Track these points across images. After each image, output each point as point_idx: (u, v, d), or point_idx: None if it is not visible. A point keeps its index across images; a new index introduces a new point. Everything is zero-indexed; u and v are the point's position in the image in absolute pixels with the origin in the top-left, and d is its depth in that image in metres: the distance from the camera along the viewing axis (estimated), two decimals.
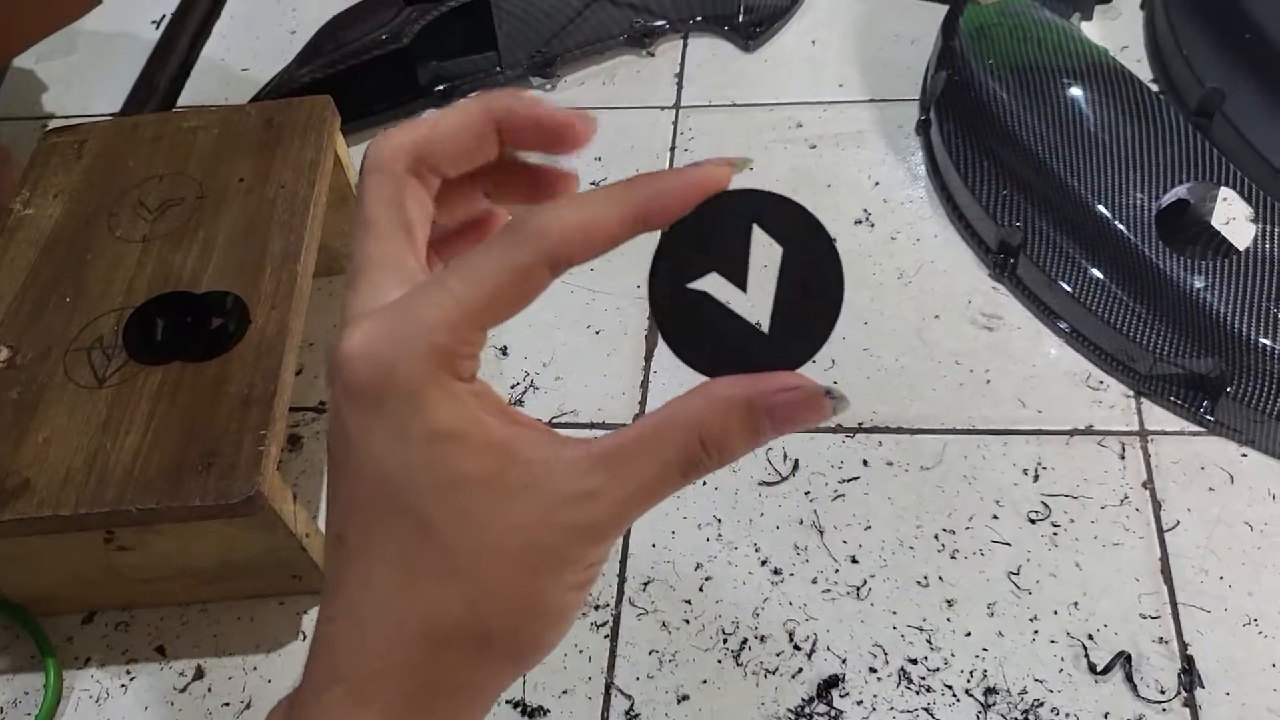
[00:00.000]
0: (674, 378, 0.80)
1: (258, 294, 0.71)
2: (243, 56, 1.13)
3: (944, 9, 0.96)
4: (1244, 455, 0.75)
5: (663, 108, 1.03)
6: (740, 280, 0.29)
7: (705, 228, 0.28)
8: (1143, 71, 0.97)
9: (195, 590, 0.74)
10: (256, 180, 0.78)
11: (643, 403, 0.82)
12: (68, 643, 0.74)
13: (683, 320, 0.29)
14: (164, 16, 1.18)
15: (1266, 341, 0.73)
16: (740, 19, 1.06)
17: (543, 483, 0.27)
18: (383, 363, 0.27)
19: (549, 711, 0.69)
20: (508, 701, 0.69)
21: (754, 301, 0.29)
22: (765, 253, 0.29)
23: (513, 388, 0.84)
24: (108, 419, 0.66)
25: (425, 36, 0.99)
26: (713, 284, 0.29)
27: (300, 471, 0.81)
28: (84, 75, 1.14)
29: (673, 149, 0.99)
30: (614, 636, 0.71)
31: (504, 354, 0.86)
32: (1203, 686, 0.66)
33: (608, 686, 0.70)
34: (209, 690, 0.72)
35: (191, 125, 0.83)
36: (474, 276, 0.27)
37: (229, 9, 1.19)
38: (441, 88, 1.03)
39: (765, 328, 0.29)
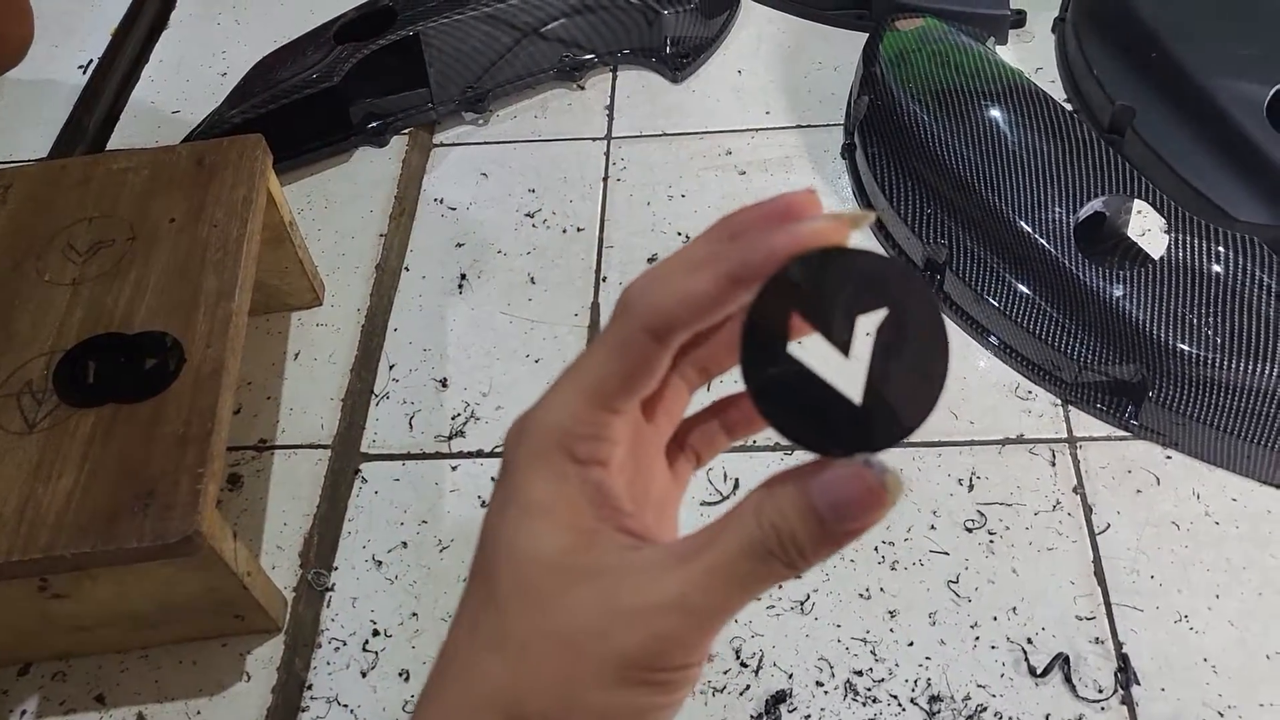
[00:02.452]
0: None
1: (193, 333, 0.71)
2: (173, 99, 1.13)
3: (864, 36, 0.99)
4: (1169, 457, 0.78)
5: (594, 139, 1.04)
6: (843, 346, 0.26)
7: (805, 289, 0.26)
8: (1056, 92, 1.01)
9: (135, 635, 0.72)
10: (189, 220, 0.78)
11: None
12: (3, 695, 0.73)
13: (785, 392, 0.26)
14: (91, 61, 1.17)
15: (1184, 347, 0.75)
16: (667, 50, 1.08)
17: (613, 573, 0.27)
18: (511, 443, 0.30)
19: None
20: None
21: (849, 370, 0.26)
22: (869, 319, 0.26)
23: (454, 419, 0.84)
24: (39, 464, 0.65)
25: (356, 75, 0.99)
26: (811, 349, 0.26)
27: (242, 510, 0.80)
28: (9, 122, 1.13)
29: (605, 178, 1.00)
30: None
31: (444, 386, 0.86)
32: (1139, 684, 0.67)
33: None
34: None
35: (121, 167, 0.82)
36: (588, 359, 0.29)
37: (158, 52, 1.19)
38: (374, 125, 1.03)
39: (857, 399, 0.26)
